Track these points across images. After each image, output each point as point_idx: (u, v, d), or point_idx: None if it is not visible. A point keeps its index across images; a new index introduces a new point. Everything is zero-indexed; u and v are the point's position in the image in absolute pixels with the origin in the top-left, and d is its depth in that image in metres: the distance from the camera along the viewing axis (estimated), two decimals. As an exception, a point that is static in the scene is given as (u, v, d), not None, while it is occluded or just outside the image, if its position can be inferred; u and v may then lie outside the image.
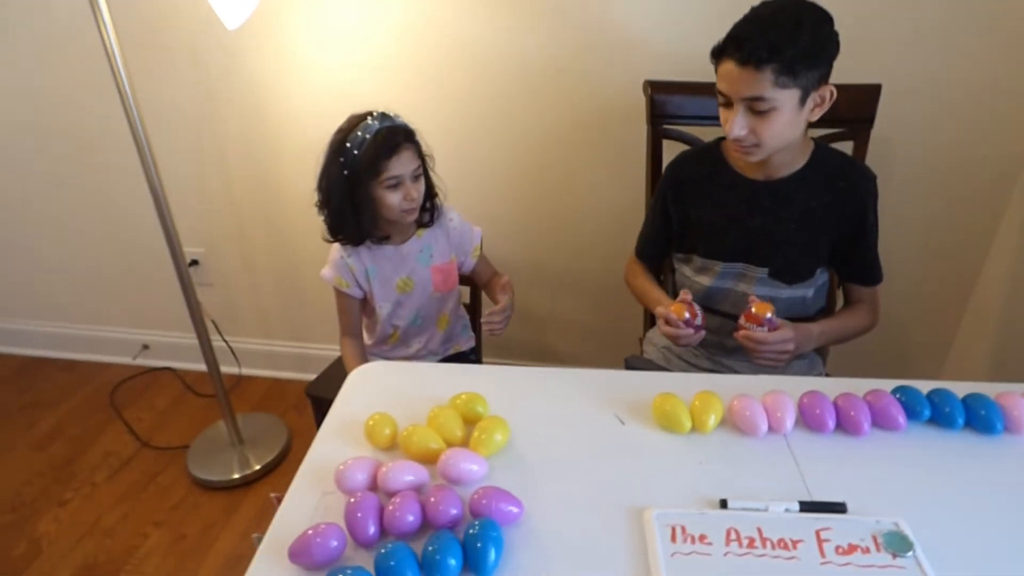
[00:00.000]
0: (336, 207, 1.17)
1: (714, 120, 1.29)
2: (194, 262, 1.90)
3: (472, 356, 1.45)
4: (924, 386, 0.85)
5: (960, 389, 0.85)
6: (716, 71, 0.96)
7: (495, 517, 0.67)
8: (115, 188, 1.86)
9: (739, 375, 1.00)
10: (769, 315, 0.97)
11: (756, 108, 0.93)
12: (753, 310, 0.98)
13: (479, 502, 0.68)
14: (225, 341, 1.94)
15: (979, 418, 0.81)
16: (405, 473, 0.72)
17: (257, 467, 1.67)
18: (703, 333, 1.02)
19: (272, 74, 1.62)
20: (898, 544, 0.65)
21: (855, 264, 1.12)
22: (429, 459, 0.76)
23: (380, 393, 0.90)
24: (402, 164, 1.13)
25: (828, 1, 1.32)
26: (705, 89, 1.31)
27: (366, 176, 1.12)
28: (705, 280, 1.14)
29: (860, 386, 0.86)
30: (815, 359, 1.21)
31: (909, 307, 1.66)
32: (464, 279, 1.41)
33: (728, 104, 0.96)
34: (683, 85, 1.31)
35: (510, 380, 0.94)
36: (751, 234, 1.08)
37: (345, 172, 1.13)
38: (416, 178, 1.16)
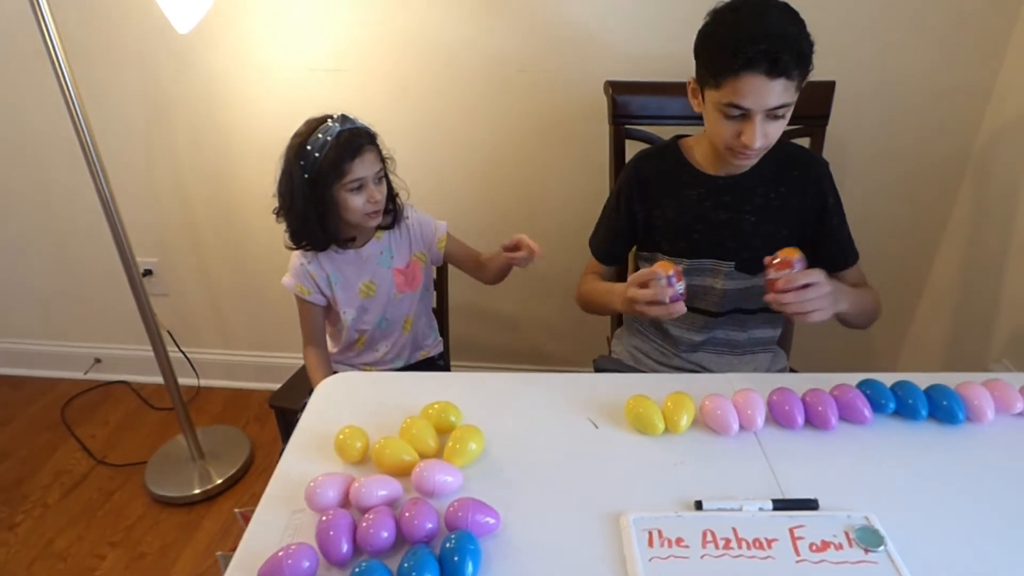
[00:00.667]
0: (299, 212, 1.14)
1: (675, 120, 1.32)
2: (147, 272, 1.83)
3: (440, 362, 1.43)
4: (888, 379, 0.87)
5: (922, 381, 0.87)
6: (720, 85, 0.90)
7: (471, 529, 0.66)
8: (62, 196, 1.78)
9: (709, 374, 1.00)
10: (798, 256, 0.87)
11: (776, 114, 0.92)
12: (779, 258, 0.88)
13: (455, 515, 0.67)
14: (182, 352, 1.88)
15: (942, 409, 0.83)
16: (378, 488, 0.70)
17: (219, 481, 1.62)
18: (683, 306, 0.91)
19: (226, 77, 1.57)
20: (870, 539, 0.66)
21: (828, 248, 1.10)
22: (403, 472, 0.74)
23: (349, 405, 0.88)
24: (365, 166, 1.11)
25: None
26: (665, 89, 1.33)
27: (328, 179, 1.10)
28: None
29: (825, 381, 0.88)
30: (779, 353, 1.23)
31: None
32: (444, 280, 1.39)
33: (741, 116, 0.92)
34: (644, 85, 1.31)
35: (482, 387, 0.93)
36: (717, 230, 1.09)
37: (306, 176, 1.10)
38: (379, 180, 1.15)
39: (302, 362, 1.33)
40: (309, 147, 1.09)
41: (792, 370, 1.29)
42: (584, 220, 1.61)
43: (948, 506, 0.72)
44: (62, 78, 1.24)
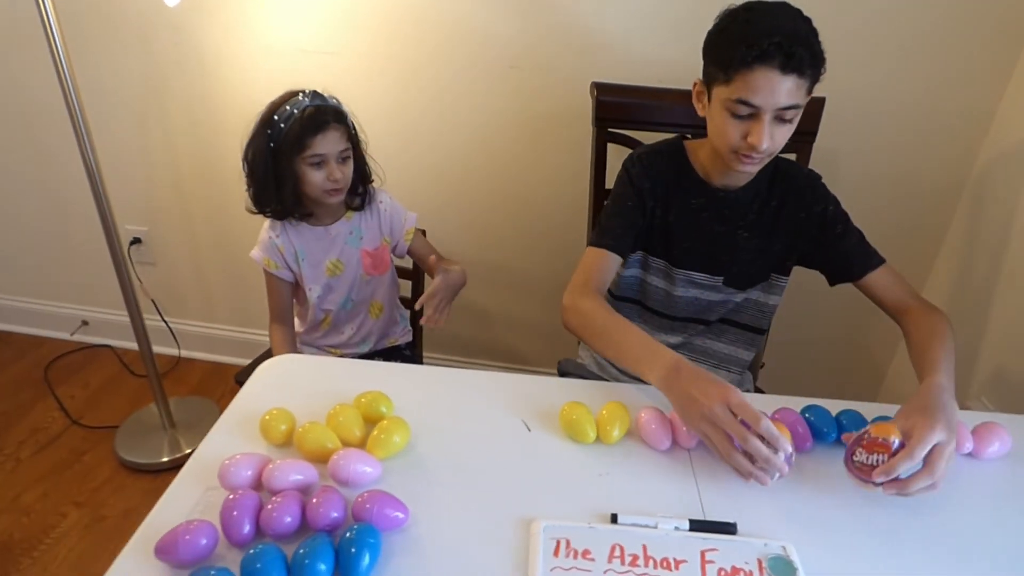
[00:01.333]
0: (260, 178, 1.16)
1: (659, 127, 1.30)
2: (136, 240, 1.85)
3: (408, 351, 1.43)
4: (835, 406, 0.85)
5: (872, 411, 0.85)
6: (730, 80, 0.87)
7: (377, 522, 0.65)
8: (56, 162, 1.80)
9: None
10: (895, 440, 0.71)
11: (784, 117, 0.89)
12: (873, 435, 0.72)
13: (363, 506, 0.66)
14: (165, 322, 1.89)
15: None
16: (292, 472, 0.70)
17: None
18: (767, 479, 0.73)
19: (220, 53, 1.57)
20: (781, 569, 0.64)
21: (839, 257, 1.04)
22: (323, 459, 0.73)
23: (286, 387, 0.88)
24: (327, 143, 1.11)
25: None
26: (652, 94, 1.31)
27: (290, 151, 1.11)
28: (656, 282, 1.12)
29: (778, 403, 0.86)
30: (747, 376, 1.21)
31: (852, 323, 1.68)
32: (406, 272, 1.38)
33: (750, 115, 0.89)
34: (630, 89, 1.30)
35: (423, 381, 0.92)
36: (711, 243, 1.06)
37: (271, 145, 1.12)
38: (343, 160, 1.15)
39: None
40: (276, 117, 1.12)
41: (759, 390, 1.27)
42: (566, 220, 1.61)
43: (871, 544, 0.70)
44: (54, 46, 1.25)
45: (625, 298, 1.17)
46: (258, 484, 0.70)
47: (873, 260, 1.03)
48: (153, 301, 1.88)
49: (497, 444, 0.81)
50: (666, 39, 1.41)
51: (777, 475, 0.72)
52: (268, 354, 1.43)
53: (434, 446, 0.79)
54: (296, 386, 0.88)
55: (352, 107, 1.20)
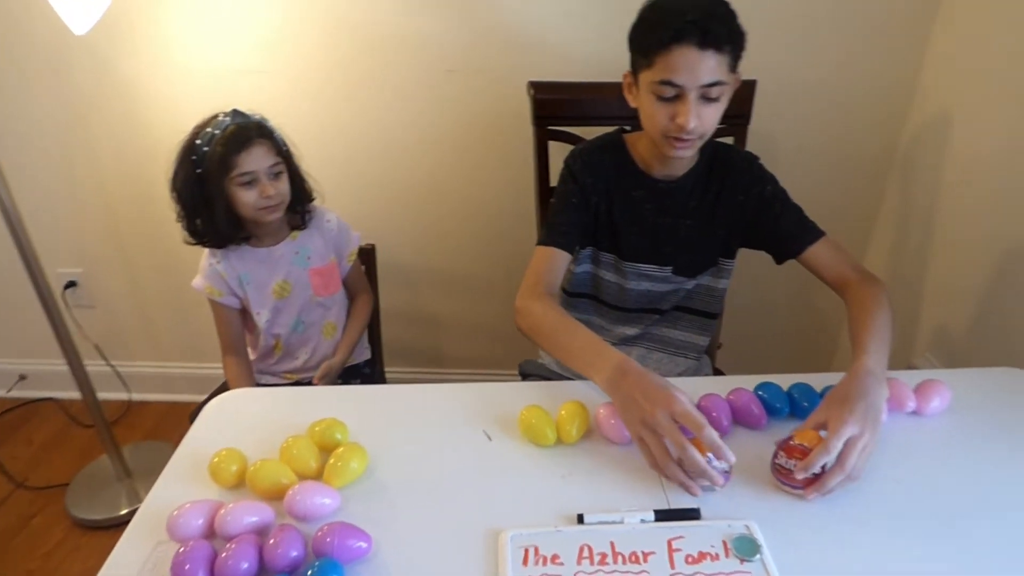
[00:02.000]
0: (191, 207, 1.13)
1: (598, 120, 1.31)
2: (71, 283, 1.77)
3: (367, 369, 1.40)
4: (786, 381, 0.87)
5: (820, 382, 0.87)
6: (652, 63, 0.89)
7: (339, 555, 0.63)
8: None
9: None
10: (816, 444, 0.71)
11: (709, 95, 0.89)
12: (796, 441, 0.72)
13: (323, 540, 0.64)
14: (111, 365, 1.82)
15: (835, 410, 0.82)
16: (246, 514, 0.67)
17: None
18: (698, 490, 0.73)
19: (142, 80, 1.52)
20: (746, 548, 0.65)
21: (779, 235, 1.05)
22: (279, 496, 0.71)
23: (235, 425, 0.85)
24: (254, 160, 1.09)
25: None
26: (588, 89, 1.32)
27: (217, 173, 1.08)
28: (608, 276, 1.13)
29: (737, 383, 0.87)
30: (704, 361, 1.23)
31: (803, 297, 1.72)
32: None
33: (674, 97, 0.90)
34: (566, 86, 1.30)
35: (378, 401, 0.90)
36: (656, 234, 1.07)
37: (198, 170, 1.09)
38: (275, 176, 1.12)
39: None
40: (199, 141, 1.09)
41: (718, 372, 1.29)
42: (514, 220, 1.61)
43: (831, 509, 0.71)
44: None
45: (579, 294, 1.17)
46: (211, 532, 0.67)
47: (811, 235, 1.03)
48: (96, 346, 1.80)
49: (458, 457, 0.80)
50: (598, 33, 1.42)
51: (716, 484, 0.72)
52: (222, 389, 1.39)
53: (394, 468, 0.78)
54: (246, 422, 0.85)
55: (290, 124, 1.18)
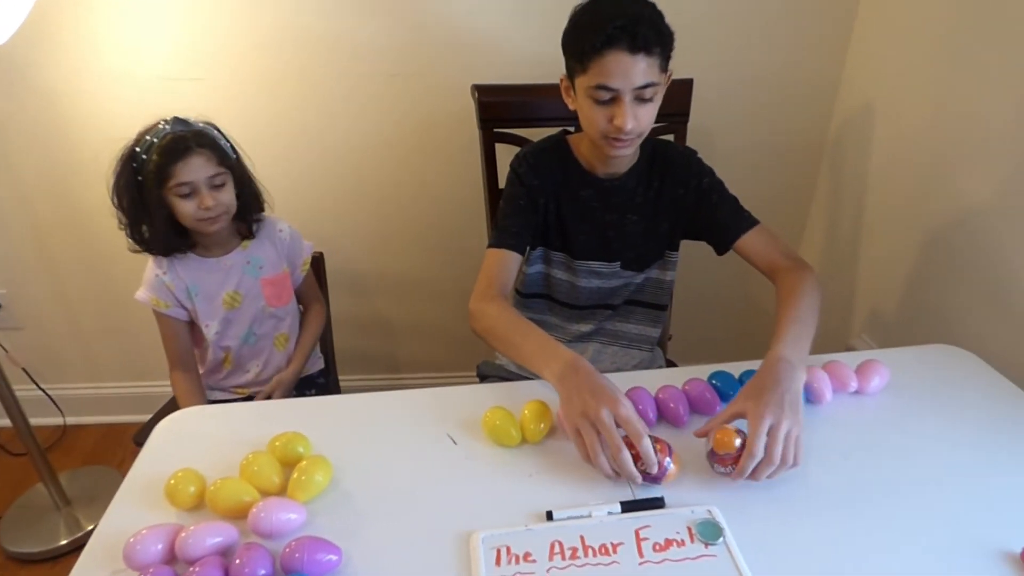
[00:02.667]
0: (133, 216, 1.09)
1: (544, 122, 1.32)
2: (-6, 305, 1.66)
3: (322, 379, 1.38)
4: (737, 368, 0.91)
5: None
6: (587, 69, 0.91)
7: (308, 570, 0.62)
8: None
9: None
10: (737, 441, 0.73)
11: (643, 96, 0.92)
12: (717, 452, 0.74)
13: (291, 556, 0.63)
14: (42, 389, 1.72)
15: (784, 394, 0.86)
16: (208, 536, 0.65)
17: (90, 527, 1.50)
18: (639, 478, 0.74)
19: (69, 88, 1.44)
20: (709, 532, 0.68)
21: (716, 224, 1.07)
22: (242, 514, 0.69)
23: (191, 444, 0.82)
24: (192, 171, 1.05)
25: None
26: (532, 91, 1.33)
27: (155, 183, 1.05)
28: (557, 273, 1.14)
29: (689, 373, 0.90)
30: (657, 353, 1.26)
31: (744, 292, 1.79)
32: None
33: (610, 100, 0.92)
34: (510, 88, 1.31)
35: (339, 412, 0.89)
36: (603, 231, 1.10)
37: (138, 178, 1.06)
38: (216, 186, 1.09)
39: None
40: (138, 149, 1.06)
41: (671, 363, 1.33)
42: (464, 222, 1.61)
43: (787, 489, 0.74)
44: None
45: (533, 295, 1.19)
46: (171, 557, 0.65)
47: (746, 223, 1.05)
48: (24, 369, 1.69)
49: (425, 463, 0.79)
50: (541, 36, 1.43)
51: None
52: (168, 407, 1.34)
53: (360, 478, 0.77)
54: (200, 441, 0.82)
55: (228, 132, 1.14)
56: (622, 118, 0.92)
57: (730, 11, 1.43)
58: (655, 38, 0.89)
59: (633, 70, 0.89)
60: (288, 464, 0.76)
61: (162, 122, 1.07)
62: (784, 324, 0.87)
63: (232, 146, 1.13)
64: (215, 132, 1.11)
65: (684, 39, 1.45)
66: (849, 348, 1.53)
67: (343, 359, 1.52)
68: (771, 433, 0.72)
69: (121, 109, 1.45)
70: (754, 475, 0.72)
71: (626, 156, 1.02)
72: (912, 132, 1.32)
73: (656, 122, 1.28)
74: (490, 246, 1.06)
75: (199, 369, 1.27)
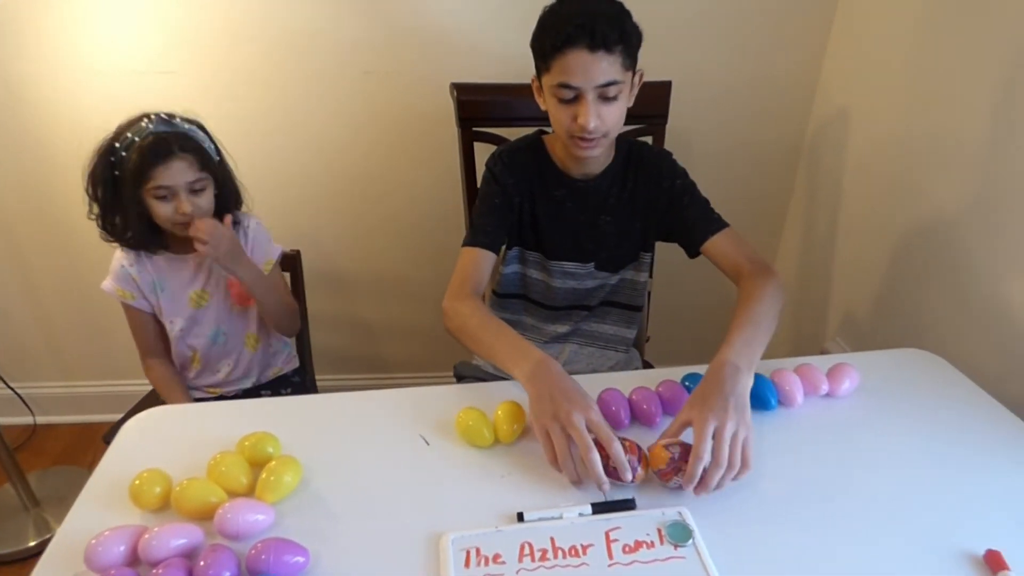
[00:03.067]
0: (107, 208, 1.07)
1: (523, 121, 1.32)
2: (-40, 300, 1.63)
3: (296, 378, 1.36)
4: (711, 371, 0.91)
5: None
6: (550, 68, 0.92)
7: (275, 572, 0.62)
8: None
9: None
10: (673, 454, 0.73)
11: (607, 95, 0.92)
12: (659, 469, 0.73)
13: (257, 558, 0.62)
14: (11, 388, 1.68)
15: (756, 396, 0.86)
16: (172, 537, 0.64)
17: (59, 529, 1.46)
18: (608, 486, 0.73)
19: (40, 80, 1.41)
20: (679, 534, 0.68)
21: (685, 225, 1.07)
22: (209, 516, 0.68)
23: (158, 443, 0.81)
24: (172, 175, 1.03)
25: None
26: (511, 90, 1.33)
27: (133, 182, 1.03)
28: (532, 273, 1.14)
29: (665, 375, 0.91)
30: (633, 354, 1.26)
31: (722, 294, 1.79)
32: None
33: (574, 99, 0.92)
34: (489, 87, 1.30)
35: (311, 411, 0.88)
36: (577, 232, 1.10)
37: (116, 173, 1.04)
38: (196, 192, 1.06)
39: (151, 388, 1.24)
40: (118, 144, 1.03)
41: (648, 364, 1.33)
42: (442, 221, 1.61)
43: (757, 491, 0.75)
44: None
45: (509, 295, 1.19)
46: (134, 559, 0.64)
47: (713, 225, 1.04)
48: (-8, 368, 1.66)
49: (396, 464, 0.79)
50: (520, 34, 1.42)
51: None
52: (141, 406, 1.31)
53: (330, 479, 0.76)
54: (168, 441, 0.81)
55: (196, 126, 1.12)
56: (585, 116, 0.92)
57: (709, 15, 1.44)
58: (616, 36, 0.88)
59: (593, 68, 0.89)
60: (257, 464, 0.75)
61: (145, 119, 1.04)
62: (735, 328, 0.86)
63: (216, 147, 1.12)
64: (200, 133, 1.09)
65: (663, 41, 1.46)
66: (823, 351, 1.54)
67: (320, 358, 1.51)
68: (716, 436, 0.71)
69: (93, 102, 1.43)
70: (704, 482, 0.70)
71: (596, 157, 1.02)
72: (886, 138, 1.34)
73: (634, 124, 1.31)
74: (464, 245, 1.06)
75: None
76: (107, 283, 1.15)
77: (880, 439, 0.83)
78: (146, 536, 0.64)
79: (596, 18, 0.87)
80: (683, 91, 1.34)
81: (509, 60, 1.45)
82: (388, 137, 1.52)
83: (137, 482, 0.71)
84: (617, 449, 0.72)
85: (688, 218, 1.06)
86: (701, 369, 0.91)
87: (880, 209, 1.36)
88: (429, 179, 1.57)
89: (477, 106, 1.28)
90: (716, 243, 1.04)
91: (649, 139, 1.34)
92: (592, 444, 0.72)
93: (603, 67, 0.89)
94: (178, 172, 1.03)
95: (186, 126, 1.07)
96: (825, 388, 0.89)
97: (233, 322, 1.22)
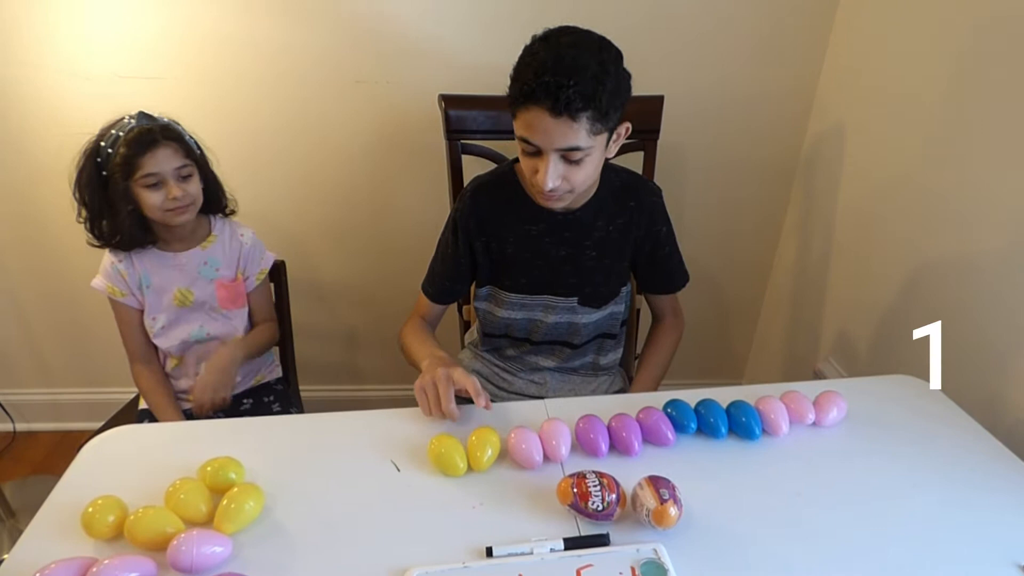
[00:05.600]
0: (96, 210, 1.08)
1: (511, 135, 1.29)
2: (-61, 306, 1.60)
3: (279, 387, 1.34)
4: (693, 397, 0.88)
5: (727, 396, 0.89)
6: (515, 116, 0.85)
7: (227, 610, 0.59)
8: None
9: (523, 401, 0.94)
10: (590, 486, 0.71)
11: (571, 158, 0.85)
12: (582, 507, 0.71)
13: (209, 595, 0.60)
14: (-10, 395, 1.66)
15: (741, 425, 0.85)
16: (122, 570, 0.61)
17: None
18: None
19: (19, 84, 1.39)
20: (654, 573, 0.65)
21: (658, 275, 1.12)
22: (163, 547, 0.65)
23: (117, 468, 0.78)
24: (159, 162, 1.05)
25: (605, 13, 1.38)
26: (500, 103, 1.30)
27: (122, 175, 1.04)
28: (511, 313, 1.10)
29: (652, 400, 0.88)
30: (616, 375, 1.23)
31: (710, 312, 1.77)
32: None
33: (537, 152, 0.86)
34: (478, 99, 1.28)
35: (279, 434, 0.85)
36: (557, 266, 1.05)
37: (103, 173, 1.06)
38: (183, 178, 1.09)
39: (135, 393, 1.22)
40: (103, 143, 1.05)
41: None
42: (428, 232, 1.57)
43: (737, 528, 0.72)
44: None
45: (495, 335, 1.16)
46: (82, 592, 0.61)
47: (679, 282, 1.15)
48: (-29, 374, 1.64)
49: (364, 492, 0.76)
50: (509, 46, 1.40)
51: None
52: (124, 412, 1.30)
53: (293, 508, 0.73)
54: (130, 464, 0.79)
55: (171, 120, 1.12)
56: (543, 176, 0.85)
57: (704, 29, 1.42)
58: (584, 103, 0.79)
59: (555, 131, 0.81)
60: (218, 491, 0.72)
61: (127, 117, 1.07)
62: (648, 368, 1.14)
63: (196, 142, 1.13)
64: (179, 127, 1.11)
65: (656, 56, 1.44)
66: (816, 372, 1.52)
67: (304, 368, 1.48)
68: None
69: (76, 105, 1.41)
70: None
71: (559, 208, 0.96)
72: (883, 155, 1.31)
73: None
74: (422, 286, 1.14)
75: None
76: (97, 280, 1.15)
77: (866, 471, 0.81)
78: (94, 569, 0.61)
79: (567, 78, 0.77)
80: (676, 106, 1.31)
81: (500, 72, 1.42)
82: (377, 147, 1.50)
83: (90, 510, 0.68)
84: (474, 382, 0.84)
85: (662, 267, 1.11)
86: (683, 395, 0.89)
87: (877, 228, 1.33)
88: (417, 190, 1.55)
89: (466, 118, 1.26)
90: (667, 299, 1.17)
91: (641, 154, 1.31)
92: (446, 386, 0.84)
93: (565, 132, 0.81)
94: (164, 159, 1.05)
95: (166, 119, 1.11)
96: (811, 417, 0.86)
97: (217, 322, 1.21)
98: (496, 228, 1.04)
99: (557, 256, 1.04)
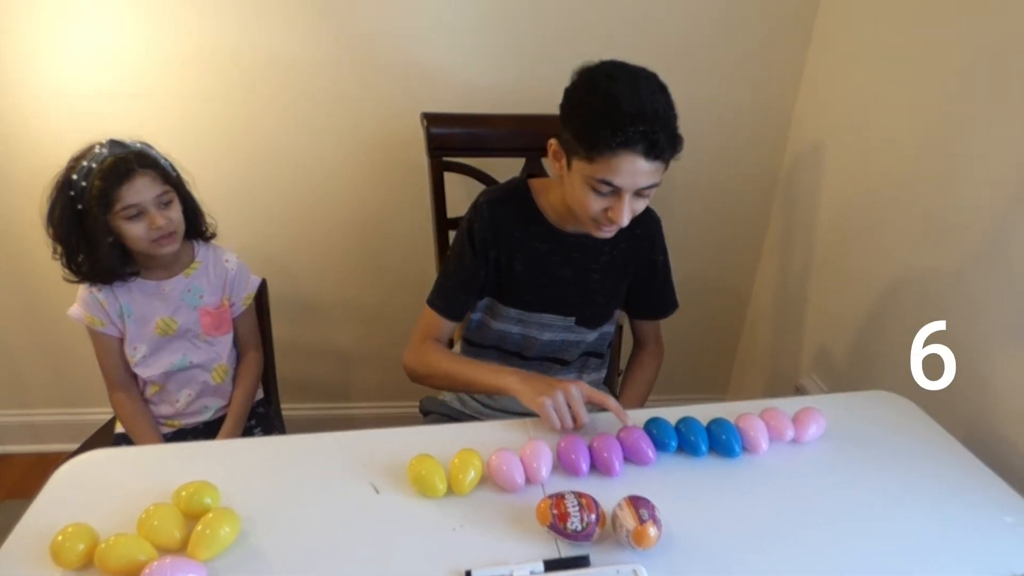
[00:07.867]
0: (73, 246, 1.04)
1: (493, 152, 1.31)
2: (-86, 327, 1.57)
3: (262, 409, 1.32)
4: (674, 415, 0.89)
5: (707, 414, 0.89)
6: (592, 160, 0.85)
7: (199, 641, 0.58)
8: None
9: (506, 420, 0.93)
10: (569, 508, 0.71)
11: (644, 193, 0.89)
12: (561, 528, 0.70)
13: (181, 625, 0.58)
14: (-36, 417, 1.62)
15: (721, 443, 0.85)
16: (91, 602, 0.60)
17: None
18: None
19: (1, 102, 1.37)
20: (631, 595, 0.65)
21: (649, 301, 1.15)
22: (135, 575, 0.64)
23: (90, 493, 0.77)
24: (138, 192, 1.01)
25: (587, 36, 1.39)
26: (482, 121, 1.32)
27: (99, 209, 1.00)
28: (507, 327, 1.11)
29: (635, 416, 0.88)
30: (602, 389, 1.23)
31: (694, 327, 1.77)
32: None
33: (610, 192, 0.88)
34: (460, 117, 1.29)
35: (256, 457, 0.84)
36: (561, 286, 1.06)
37: (78, 207, 1.01)
38: (165, 205, 1.05)
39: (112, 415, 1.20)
40: (75, 176, 1.01)
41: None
42: (412, 250, 1.58)
43: (717, 548, 0.72)
44: None
45: (482, 345, 1.16)
46: (49, 624, 0.60)
47: (670, 310, 1.17)
48: (-55, 396, 1.60)
49: (342, 515, 0.75)
50: (494, 65, 1.42)
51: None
52: (100, 435, 1.28)
53: (270, 532, 0.72)
54: (102, 489, 0.77)
55: (170, 153, 1.11)
56: (619, 214, 0.89)
57: (683, 49, 1.44)
58: (671, 145, 0.85)
59: (642, 174, 0.86)
60: (193, 517, 0.71)
61: (97, 146, 1.02)
62: (632, 394, 1.16)
63: (171, 164, 1.10)
64: (154, 150, 1.08)
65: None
66: (798, 387, 1.53)
67: (288, 387, 1.47)
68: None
69: (57, 123, 1.39)
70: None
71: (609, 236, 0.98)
72: (860, 172, 1.33)
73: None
74: (428, 301, 1.08)
75: None
76: (74, 309, 1.12)
77: (845, 487, 0.81)
78: (63, 600, 0.60)
79: (658, 125, 0.83)
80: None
81: (483, 90, 1.44)
82: (360, 164, 1.50)
83: (60, 538, 0.66)
84: (613, 403, 0.87)
85: (656, 294, 1.14)
86: (663, 412, 0.89)
87: (854, 243, 1.35)
88: (400, 207, 1.54)
89: (448, 137, 1.27)
90: (654, 325, 1.19)
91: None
92: (581, 404, 0.87)
93: (651, 173, 0.86)
94: (144, 187, 1.02)
95: (139, 145, 1.07)
96: (791, 434, 0.87)
97: (203, 352, 1.19)
98: (507, 243, 1.04)
99: (562, 276, 1.06)
